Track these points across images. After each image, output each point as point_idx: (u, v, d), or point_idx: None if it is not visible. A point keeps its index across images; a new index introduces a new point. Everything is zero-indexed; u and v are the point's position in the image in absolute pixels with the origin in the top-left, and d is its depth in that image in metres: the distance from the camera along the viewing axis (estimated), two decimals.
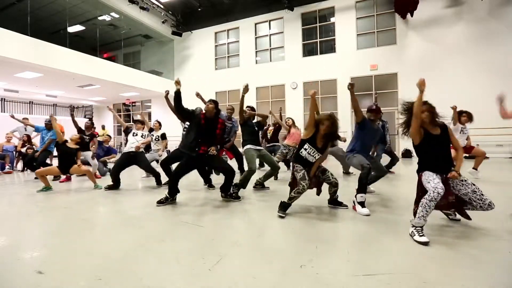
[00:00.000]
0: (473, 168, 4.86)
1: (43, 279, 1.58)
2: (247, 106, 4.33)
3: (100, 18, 12.75)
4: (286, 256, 1.83)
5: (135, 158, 4.54)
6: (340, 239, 2.17)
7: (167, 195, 3.41)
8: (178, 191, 3.50)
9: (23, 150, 7.42)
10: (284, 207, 2.78)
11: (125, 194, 4.07)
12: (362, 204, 2.84)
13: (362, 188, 2.90)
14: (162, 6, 12.94)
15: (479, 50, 9.29)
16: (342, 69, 11.26)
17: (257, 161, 4.71)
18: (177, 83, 3.49)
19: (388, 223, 2.48)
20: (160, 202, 3.36)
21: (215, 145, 3.53)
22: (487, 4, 9.18)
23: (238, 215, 2.89)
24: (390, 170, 5.39)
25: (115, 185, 4.37)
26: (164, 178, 4.68)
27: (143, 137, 4.81)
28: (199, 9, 12.74)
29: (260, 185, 4.23)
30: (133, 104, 16.16)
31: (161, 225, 2.58)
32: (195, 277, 1.57)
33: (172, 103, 3.64)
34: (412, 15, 10.04)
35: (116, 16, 12.47)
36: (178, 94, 3.42)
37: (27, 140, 7.50)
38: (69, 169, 4.45)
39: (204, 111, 3.59)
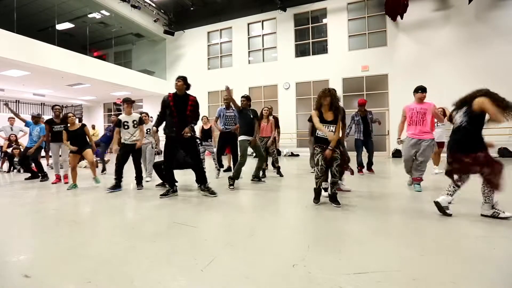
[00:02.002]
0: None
1: (30, 283, 1.54)
2: (242, 96, 4.53)
3: (90, 15, 12.49)
4: (278, 256, 1.83)
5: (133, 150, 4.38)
6: (331, 238, 2.19)
7: (168, 188, 3.67)
8: (176, 181, 3.69)
9: (9, 150, 7.22)
10: (317, 194, 3.18)
11: (115, 195, 4.01)
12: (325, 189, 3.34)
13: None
14: (154, 5, 12.79)
15: (467, 52, 9.54)
16: (334, 70, 11.37)
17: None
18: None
19: (378, 222, 2.52)
20: (163, 195, 3.59)
21: (188, 125, 3.55)
22: (474, 8, 9.43)
23: (231, 215, 2.88)
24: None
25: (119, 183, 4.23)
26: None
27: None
28: (192, 8, 12.66)
29: (256, 178, 4.64)
30: None
31: (152, 226, 2.55)
32: (187, 278, 1.56)
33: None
34: (402, 18, 10.22)
35: (107, 14, 12.25)
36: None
37: (15, 140, 7.30)
38: (83, 150, 4.54)
39: (171, 94, 3.62)
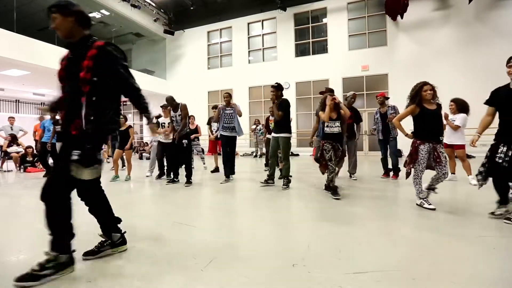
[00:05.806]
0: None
1: None
2: (272, 86, 4.36)
3: (90, 15, 12.44)
4: (278, 256, 1.83)
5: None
6: (331, 238, 2.19)
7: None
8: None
9: (9, 150, 7.22)
10: (333, 189, 3.40)
11: (114, 193, 4.00)
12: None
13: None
14: (154, 4, 12.79)
15: (467, 51, 9.54)
16: (334, 69, 11.38)
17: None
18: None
19: (378, 221, 2.53)
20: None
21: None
22: (474, 8, 9.43)
23: (231, 215, 2.88)
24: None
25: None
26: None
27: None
28: (192, 8, 12.66)
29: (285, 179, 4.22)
30: (125, 103, 15.92)
31: (152, 225, 2.55)
32: (187, 278, 1.56)
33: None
34: (402, 17, 10.22)
35: (107, 13, 12.25)
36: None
37: (12, 140, 7.30)
38: (124, 146, 5.18)
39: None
